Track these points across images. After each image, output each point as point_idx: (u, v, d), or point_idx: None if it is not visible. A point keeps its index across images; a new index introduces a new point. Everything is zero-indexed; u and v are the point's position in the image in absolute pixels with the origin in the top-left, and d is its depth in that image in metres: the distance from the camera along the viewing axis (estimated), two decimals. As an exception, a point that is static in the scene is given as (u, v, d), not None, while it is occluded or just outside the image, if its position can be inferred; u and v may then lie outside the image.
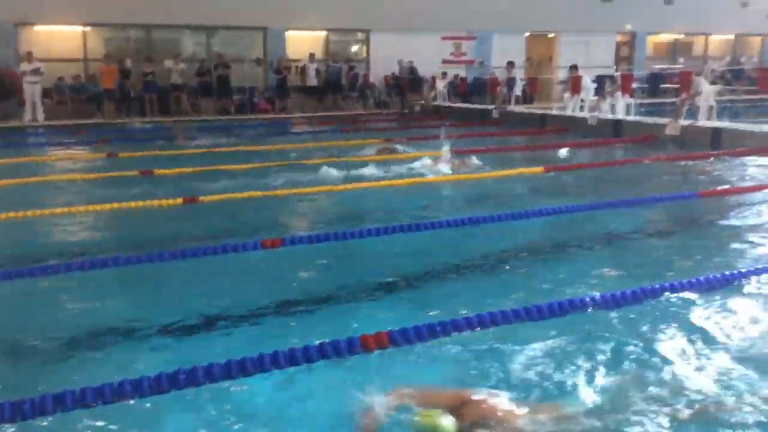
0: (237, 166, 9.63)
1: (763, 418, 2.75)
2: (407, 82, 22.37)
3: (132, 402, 2.84)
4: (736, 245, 5.43)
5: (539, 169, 8.99)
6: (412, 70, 22.45)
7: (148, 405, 2.85)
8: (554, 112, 17.05)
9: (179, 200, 6.98)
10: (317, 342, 3.26)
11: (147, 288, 4.71)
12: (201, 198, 7.12)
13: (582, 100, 16.22)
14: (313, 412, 2.94)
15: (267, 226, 6.43)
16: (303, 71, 21.37)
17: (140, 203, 6.83)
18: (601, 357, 3.30)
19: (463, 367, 3.22)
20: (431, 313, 3.85)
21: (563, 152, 11.07)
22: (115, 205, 6.79)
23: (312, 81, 21.30)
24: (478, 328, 3.52)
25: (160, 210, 6.74)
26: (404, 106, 21.91)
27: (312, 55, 21.49)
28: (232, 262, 5.02)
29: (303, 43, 22.20)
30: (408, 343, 3.34)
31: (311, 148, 12.35)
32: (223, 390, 2.99)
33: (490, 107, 18.65)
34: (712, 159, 9.98)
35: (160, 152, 11.70)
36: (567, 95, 17.02)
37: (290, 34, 22.10)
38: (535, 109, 18.64)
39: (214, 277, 4.80)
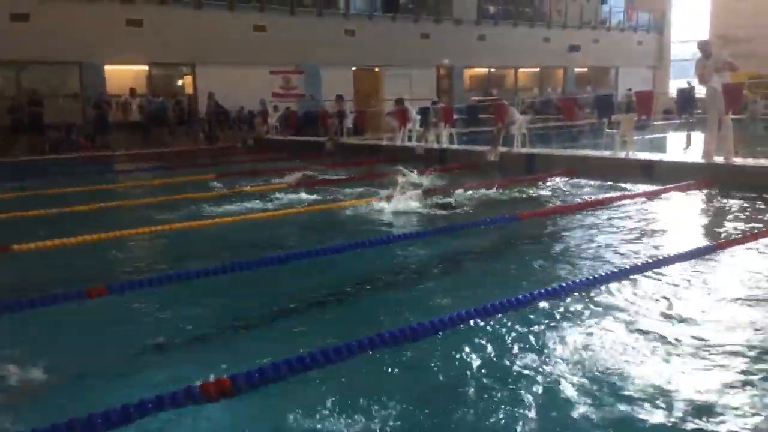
0: (53, 209, 8.92)
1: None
2: (219, 117, 22.02)
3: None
4: (556, 262, 5.89)
5: (382, 198, 9.20)
6: (217, 105, 22.07)
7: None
8: (384, 142, 17.60)
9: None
10: (153, 395, 3.06)
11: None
12: (14, 247, 6.49)
13: (410, 131, 16.91)
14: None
15: (92, 273, 5.97)
16: (125, 106, 20.40)
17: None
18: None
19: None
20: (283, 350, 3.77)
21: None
22: None
23: (134, 116, 20.39)
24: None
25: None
26: (234, 140, 21.58)
27: (133, 90, 20.61)
28: (53, 315, 4.60)
29: (124, 77, 21.24)
30: (253, 387, 3.24)
31: (134, 187, 11.76)
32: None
33: (322, 139, 18.89)
34: (526, 183, 10.80)
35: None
36: (396, 125, 17.59)
37: (110, 69, 21.04)
38: (367, 139, 19.16)
39: (30, 333, 4.37)
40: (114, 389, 3.44)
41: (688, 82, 20.90)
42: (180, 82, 23.42)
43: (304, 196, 9.96)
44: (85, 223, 8.04)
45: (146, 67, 22.00)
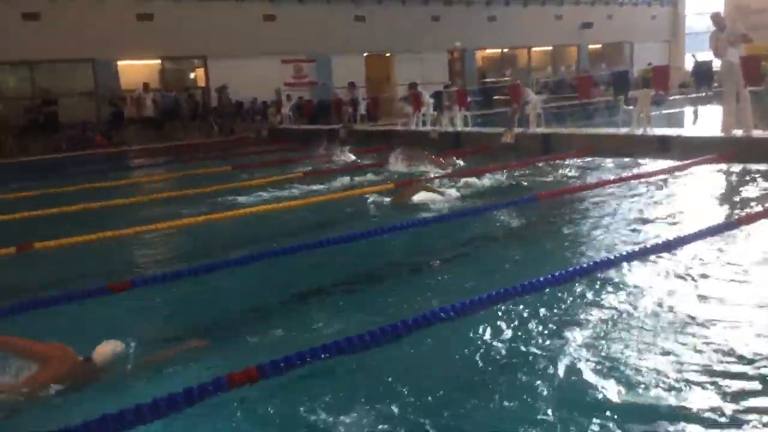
0: (73, 207, 9.01)
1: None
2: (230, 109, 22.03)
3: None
4: (575, 242, 5.86)
5: (391, 185, 9.19)
6: (228, 97, 22.06)
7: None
8: (399, 127, 17.55)
9: (12, 249, 6.41)
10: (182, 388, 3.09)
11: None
12: (36, 244, 6.56)
13: (423, 115, 16.84)
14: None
15: (114, 268, 6.03)
16: (138, 102, 20.50)
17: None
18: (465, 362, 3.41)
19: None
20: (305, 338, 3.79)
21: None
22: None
23: (148, 111, 20.49)
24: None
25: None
26: (249, 131, 21.60)
27: (146, 85, 20.68)
28: (77, 310, 4.65)
29: (137, 72, 21.32)
30: (279, 374, 3.26)
31: (153, 181, 11.84)
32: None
33: (336, 127, 18.87)
34: (541, 164, 10.73)
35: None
36: (409, 110, 17.52)
37: (123, 64, 21.14)
38: (380, 126, 19.12)
39: (58, 329, 4.42)
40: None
41: (693, 55, 20.54)
42: (192, 75, 23.46)
43: (316, 186, 9.97)
44: (106, 219, 8.10)
45: (158, 62, 22.07)
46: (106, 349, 3.48)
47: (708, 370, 3.19)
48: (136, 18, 20.61)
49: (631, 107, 12.25)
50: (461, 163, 11.48)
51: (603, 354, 3.42)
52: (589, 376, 3.20)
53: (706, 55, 10.78)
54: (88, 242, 6.69)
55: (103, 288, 4.94)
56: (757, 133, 9.88)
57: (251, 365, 3.26)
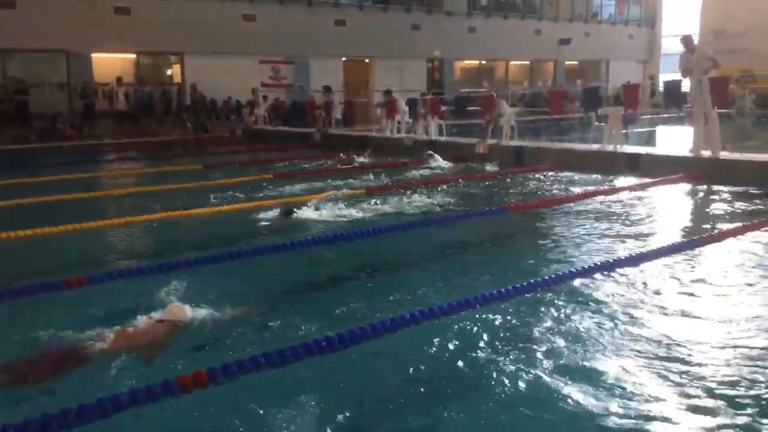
0: (36, 198, 8.84)
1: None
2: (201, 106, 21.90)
3: None
4: (540, 255, 5.87)
5: (361, 191, 9.16)
6: (202, 95, 21.98)
7: None
8: (373, 134, 17.54)
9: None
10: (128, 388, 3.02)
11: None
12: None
13: (398, 122, 16.85)
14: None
15: (73, 263, 5.90)
16: (111, 95, 20.23)
17: None
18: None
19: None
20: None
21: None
22: None
23: (121, 105, 20.23)
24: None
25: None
26: (222, 130, 21.45)
27: (120, 79, 20.43)
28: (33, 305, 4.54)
29: (112, 66, 21.06)
30: (227, 379, 3.20)
31: (120, 176, 11.67)
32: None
33: (311, 130, 18.81)
34: (514, 175, 10.79)
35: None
36: (383, 117, 17.53)
37: (97, 57, 20.86)
38: (355, 131, 19.09)
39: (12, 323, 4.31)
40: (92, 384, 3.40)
41: (651, 77, 20.83)
42: (168, 72, 23.23)
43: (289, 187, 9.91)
44: (69, 212, 7.93)
45: (134, 56, 21.82)
46: (175, 310, 3.92)
47: (663, 383, 3.20)
48: (114, 11, 20.37)
49: (603, 124, 12.40)
50: (363, 160, 13.00)
51: (559, 364, 3.42)
52: (545, 387, 3.20)
53: (677, 75, 10.94)
54: (47, 235, 6.55)
55: (60, 282, 4.84)
56: (725, 154, 10.06)
57: (201, 369, 3.19)
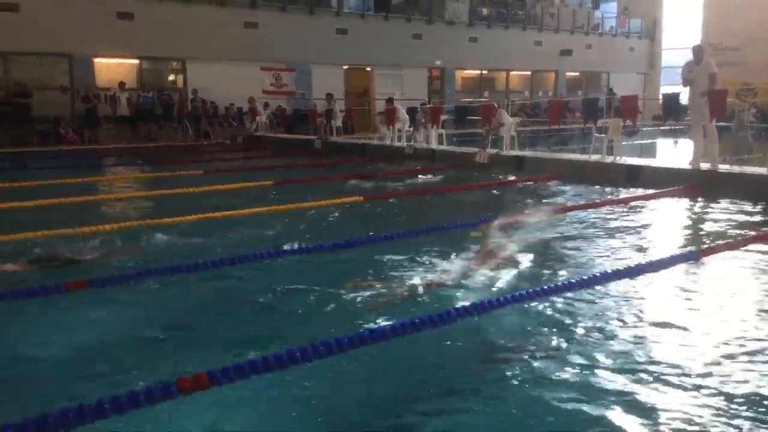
0: (35, 202, 8.86)
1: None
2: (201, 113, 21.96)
3: None
4: (537, 266, 5.89)
5: (359, 198, 9.18)
6: (203, 101, 22.06)
7: None
8: (374, 142, 17.59)
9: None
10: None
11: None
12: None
13: (399, 131, 16.91)
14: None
15: (73, 267, 5.91)
16: (113, 100, 20.28)
17: None
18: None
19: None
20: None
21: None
22: None
23: (123, 110, 20.28)
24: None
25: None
26: (224, 136, 21.50)
27: (122, 84, 20.49)
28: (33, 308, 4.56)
29: (114, 71, 21.13)
30: (229, 381, 3.22)
31: (119, 181, 11.68)
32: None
33: (312, 137, 18.86)
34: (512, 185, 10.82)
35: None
36: (384, 125, 17.59)
37: (100, 62, 20.92)
38: (356, 139, 19.15)
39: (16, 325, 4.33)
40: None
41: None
42: (171, 77, 23.30)
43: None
44: (69, 216, 7.96)
45: (136, 61, 21.89)
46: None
47: (664, 396, 3.22)
48: (116, 16, 20.45)
49: (603, 135, 12.44)
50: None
51: (553, 374, 3.44)
52: (538, 398, 3.22)
53: (677, 87, 10.99)
54: (43, 238, 6.57)
55: (59, 286, 4.85)
56: (724, 167, 10.09)
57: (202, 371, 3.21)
